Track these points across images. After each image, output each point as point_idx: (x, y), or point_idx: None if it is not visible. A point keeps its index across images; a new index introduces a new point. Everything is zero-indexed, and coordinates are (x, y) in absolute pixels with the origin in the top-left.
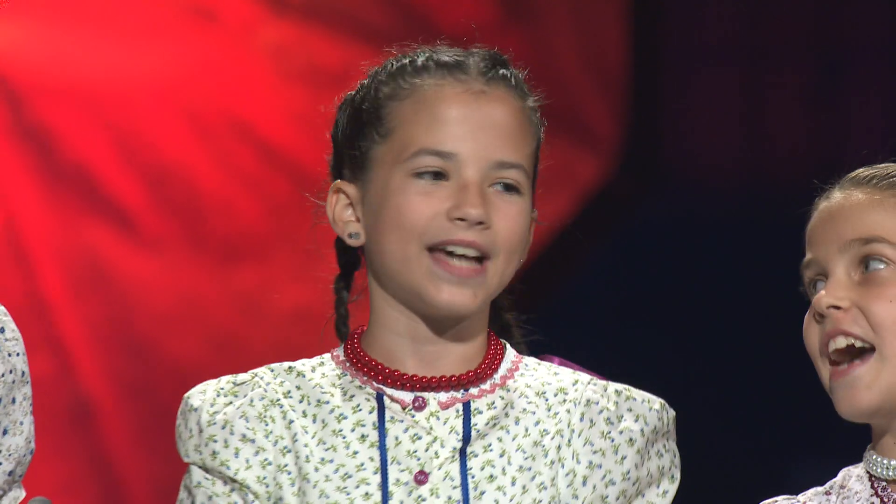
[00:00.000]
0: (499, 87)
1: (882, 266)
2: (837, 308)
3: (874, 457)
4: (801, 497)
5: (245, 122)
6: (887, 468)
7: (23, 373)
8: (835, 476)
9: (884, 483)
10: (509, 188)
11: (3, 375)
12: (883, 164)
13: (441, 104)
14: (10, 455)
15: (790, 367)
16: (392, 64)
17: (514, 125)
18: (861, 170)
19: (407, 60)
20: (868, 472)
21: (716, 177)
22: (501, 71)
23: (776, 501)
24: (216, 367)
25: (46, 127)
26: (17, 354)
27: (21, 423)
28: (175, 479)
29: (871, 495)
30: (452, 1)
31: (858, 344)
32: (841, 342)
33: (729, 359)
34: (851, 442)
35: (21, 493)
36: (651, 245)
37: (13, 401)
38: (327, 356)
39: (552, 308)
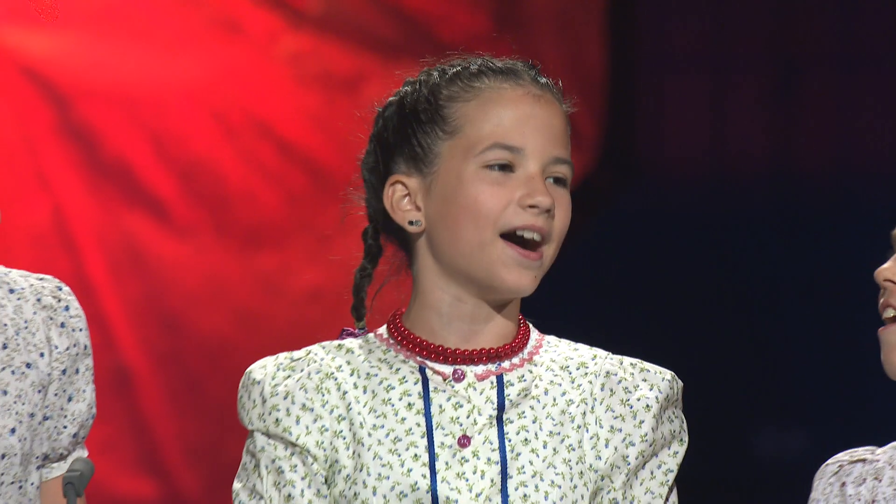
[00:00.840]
0: (549, 92)
1: None
2: (892, 282)
3: None
4: (880, 449)
5: (265, 122)
6: None
7: (85, 346)
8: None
9: None
10: (559, 181)
11: (67, 349)
12: None
13: (507, 104)
14: (74, 419)
15: (755, 341)
16: (445, 70)
17: (563, 126)
18: None
19: (461, 67)
20: None
21: (684, 170)
22: (544, 79)
23: (855, 451)
24: (239, 341)
25: (90, 126)
26: (80, 330)
27: (83, 391)
28: (201, 437)
29: None
30: (451, 15)
31: None
32: (889, 312)
33: (698, 333)
34: (815, 413)
35: (83, 453)
36: (627, 231)
37: (77, 371)
38: (371, 336)
39: (540, 287)
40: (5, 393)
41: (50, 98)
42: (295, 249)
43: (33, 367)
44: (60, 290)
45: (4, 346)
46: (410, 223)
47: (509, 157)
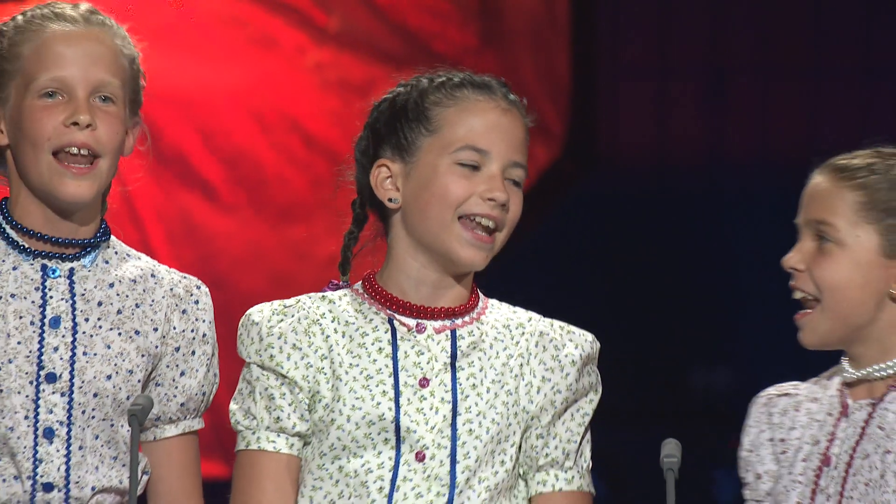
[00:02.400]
0: (516, 107)
1: (829, 242)
2: (797, 270)
3: (843, 363)
4: (802, 384)
5: (294, 119)
6: (846, 371)
7: (204, 334)
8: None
9: (845, 384)
10: (515, 183)
11: (183, 331)
12: (856, 154)
13: (480, 113)
14: (183, 392)
15: (690, 296)
16: (433, 79)
17: (524, 136)
18: (839, 158)
19: (446, 77)
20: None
21: (635, 159)
22: (513, 96)
23: (782, 386)
24: (274, 297)
25: (152, 122)
26: (203, 321)
27: (196, 371)
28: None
29: (837, 388)
30: (444, 32)
31: (809, 297)
32: (798, 294)
33: (644, 291)
34: (738, 355)
35: (196, 424)
36: (587, 209)
37: (192, 353)
38: (347, 290)
39: (509, 258)
40: (109, 347)
41: None
42: (318, 223)
43: (142, 335)
44: (198, 288)
45: (119, 312)
46: (390, 200)
47: (477, 158)
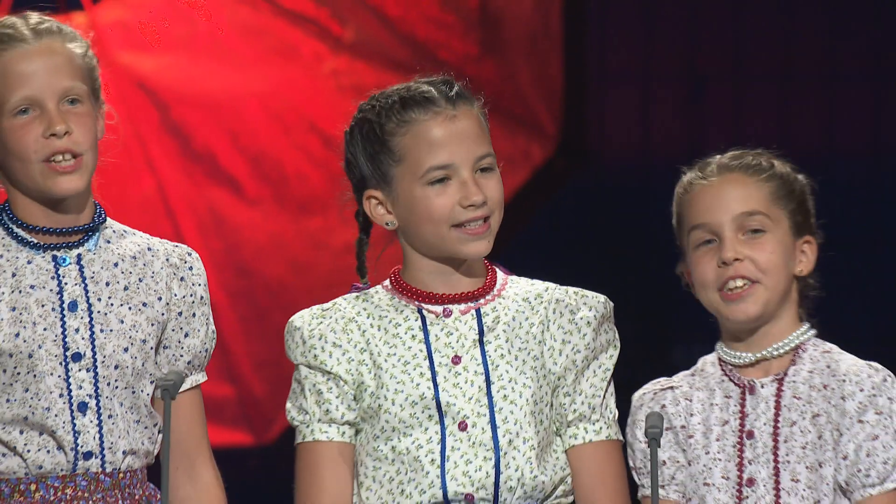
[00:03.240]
0: (462, 102)
1: (762, 230)
2: (738, 259)
3: (724, 348)
4: (675, 378)
5: (313, 121)
6: (736, 357)
7: (202, 297)
8: (695, 362)
9: (730, 366)
10: (485, 169)
11: (184, 297)
12: (735, 153)
13: (431, 131)
14: (188, 351)
15: (664, 286)
16: (383, 106)
17: (478, 126)
18: (723, 158)
19: (391, 101)
20: (719, 359)
21: (621, 157)
22: (456, 90)
23: (658, 382)
24: (294, 282)
25: (184, 124)
26: (199, 285)
27: (198, 331)
28: (265, 354)
29: (722, 375)
30: (448, 41)
31: (748, 282)
32: (739, 282)
33: (630, 274)
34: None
35: (201, 378)
36: (578, 201)
37: (193, 315)
38: (378, 288)
39: (506, 247)
40: (122, 322)
41: (154, 103)
42: (333, 215)
43: (149, 306)
44: (190, 255)
45: (126, 288)
46: (387, 224)
47: (444, 173)
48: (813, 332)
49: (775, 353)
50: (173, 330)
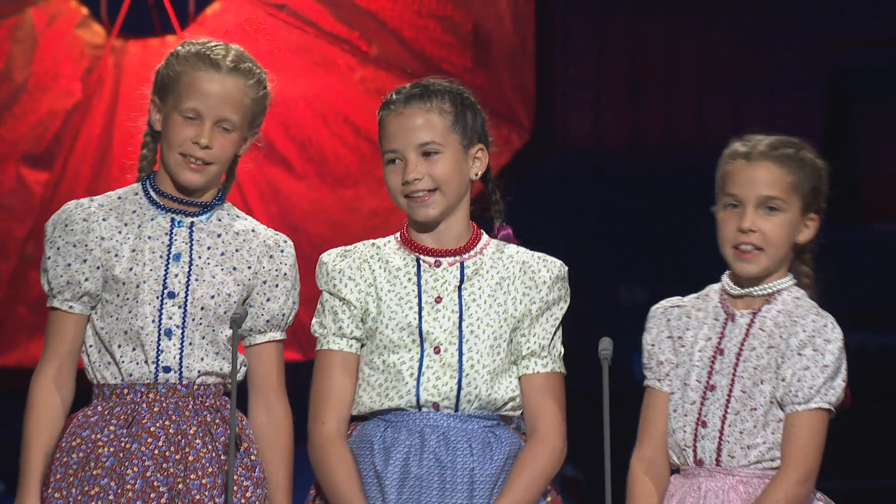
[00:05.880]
0: (411, 105)
1: (777, 210)
2: (752, 231)
3: (726, 278)
4: (686, 298)
5: (347, 116)
6: (731, 288)
7: (285, 274)
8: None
9: (727, 296)
10: (427, 154)
11: (269, 270)
12: (775, 141)
13: (391, 123)
14: (267, 311)
15: (612, 246)
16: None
17: (424, 120)
18: (763, 144)
19: (388, 97)
20: (722, 288)
21: (581, 146)
22: (414, 92)
23: (671, 300)
24: (333, 238)
25: None
26: (285, 264)
27: (279, 298)
28: (309, 291)
29: (718, 303)
30: (448, 56)
31: (756, 249)
32: (749, 247)
33: (590, 241)
34: (651, 276)
35: (278, 335)
36: (546, 182)
37: (276, 286)
38: (391, 238)
39: (486, 220)
40: (214, 277)
41: None
42: (363, 187)
43: (238, 270)
44: (285, 242)
45: (223, 254)
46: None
47: (396, 156)
48: (793, 281)
49: (756, 292)
50: (258, 294)
